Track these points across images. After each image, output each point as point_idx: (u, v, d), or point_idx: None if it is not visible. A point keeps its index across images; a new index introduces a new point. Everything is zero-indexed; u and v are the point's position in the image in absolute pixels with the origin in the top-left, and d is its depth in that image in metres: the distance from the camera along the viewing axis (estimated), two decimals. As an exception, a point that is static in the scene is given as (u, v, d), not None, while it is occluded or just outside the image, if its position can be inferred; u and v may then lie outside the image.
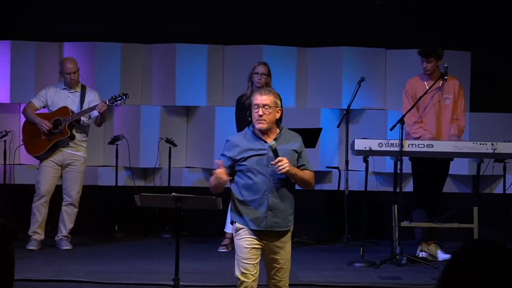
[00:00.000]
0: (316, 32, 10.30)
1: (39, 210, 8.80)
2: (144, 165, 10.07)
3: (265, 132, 5.68)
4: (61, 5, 10.18)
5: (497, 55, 10.20)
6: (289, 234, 5.75)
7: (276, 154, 5.54)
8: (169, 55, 10.14)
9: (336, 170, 9.88)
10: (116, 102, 8.82)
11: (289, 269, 5.78)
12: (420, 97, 8.37)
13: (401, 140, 8.03)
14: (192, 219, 9.30)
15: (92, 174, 9.89)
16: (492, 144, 8.14)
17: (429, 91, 8.42)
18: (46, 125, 8.73)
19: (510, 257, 2.45)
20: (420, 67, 8.54)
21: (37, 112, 8.91)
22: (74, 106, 8.85)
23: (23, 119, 9.16)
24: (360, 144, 8.14)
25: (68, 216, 8.89)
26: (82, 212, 9.05)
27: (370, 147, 8.10)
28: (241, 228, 5.66)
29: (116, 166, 9.74)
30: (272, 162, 5.54)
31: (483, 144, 8.15)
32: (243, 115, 8.29)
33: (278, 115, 5.73)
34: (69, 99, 8.88)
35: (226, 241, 8.91)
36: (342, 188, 9.63)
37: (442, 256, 8.53)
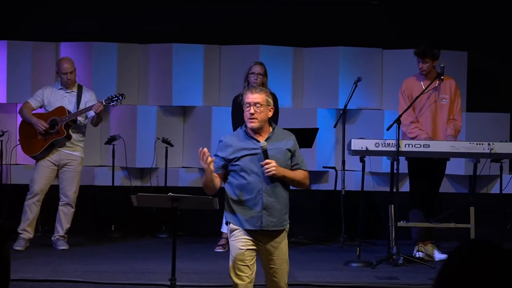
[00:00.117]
0: (312, 32, 10.31)
1: (31, 209, 8.80)
2: (141, 165, 10.07)
3: (258, 131, 5.64)
4: (57, 5, 10.18)
5: (493, 55, 10.21)
6: (285, 234, 5.70)
7: (265, 156, 5.51)
8: (165, 55, 10.14)
9: (333, 170, 9.88)
10: (113, 102, 8.82)
11: (287, 269, 5.74)
12: (417, 97, 8.37)
13: (398, 140, 8.03)
14: (188, 219, 9.29)
15: (89, 174, 9.89)
16: (489, 144, 8.14)
17: (426, 91, 8.42)
18: (42, 125, 8.72)
19: (506, 257, 2.46)
20: (416, 67, 8.55)
21: (33, 112, 8.90)
22: (70, 106, 8.84)
23: (19, 119, 9.15)
24: (357, 144, 8.14)
25: (65, 216, 8.88)
26: (79, 212, 9.04)
27: (366, 147, 8.10)
28: (236, 229, 5.62)
29: (113, 166, 9.74)
30: (262, 163, 5.52)
31: (479, 144, 8.15)
32: (239, 115, 8.23)
33: (270, 114, 5.68)
34: (65, 99, 8.88)
35: (222, 241, 8.91)
36: (338, 188, 9.63)
37: (439, 256, 8.54)
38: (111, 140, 9.67)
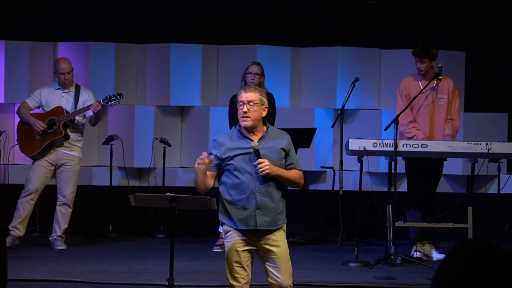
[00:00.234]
0: (310, 32, 10.31)
1: (24, 207, 8.80)
2: (139, 165, 10.07)
3: (251, 130, 5.61)
4: (55, 5, 10.18)
5: (491, 55, 10.21)
6: (282, 233, 5.65)
7: (257, 155, 5.49)
8: (163, 55, 10.14)
9: (331, 170, 9.88)
10: (111, 101, 8.81)
11: (289, 268, 5.64)
12: (414, 97, 8.36)
13: (396, 140, 8.03)
14: (186, 219, 9.30)
15: (87, 174, 9.88)
16: (487, 144, 8.14)
17: (423, 91, 8.42)
18: (40, 125, 8.72)
19: (504, 257, 2.45)
20: (414, 67, 8.55)
21: (31, 112, 8.90)
22: (68, 106, 8.84)
23: (17, 119, 9.15)
24: (355, 144, 8.14)
25: (63, 216, 8.88)
26: (77, 212, 9.04)
27: (364, 147, 8.10)
28: (230, 230, 5.60)
29: (111, 166, 9.73)
30: (255, 163, 5.51)
31: (477, 144, 8.16)
32: (236, 115, 8.27)
33: (264, 113, 5.65)
34: (63, 99, 8.88)
35: (220, 241, 8.90)
36: (336, 188, 9.63)
37: (436, 256, 8.54)
38: (109, 140, 9.66)
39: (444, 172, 8.86)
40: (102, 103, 8.72)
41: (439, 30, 10.08)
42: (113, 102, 8.82)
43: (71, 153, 8.88)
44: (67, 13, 10.20)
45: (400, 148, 8.08)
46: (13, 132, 9.40)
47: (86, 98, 8.90)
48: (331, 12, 10.36)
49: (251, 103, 5.58)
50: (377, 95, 10.19)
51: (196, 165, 5.48)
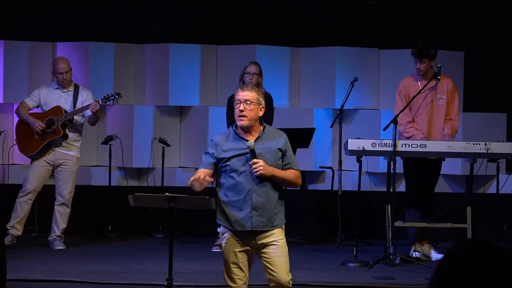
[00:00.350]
0: (309, 32, 10.31)
1: (22, 206, 8.80)
2: (138, 165, 10.07)
3: (248, 130, 5.58)
4: (55, 5, 10.18)
5: (490, 55, 10.22)
6: (280, 232, 5.61)
7: (253, 155, 5.46)
8: (162, 55, 10.14)
9: (330, 170, 9.88)
10: (109, 101, 8.81)
11: (286, 263, 5.58)
12: (413, 97, 8.36)
13: (395, 140, 8.03)
14: (185, 219, 9.30)
15: (85, 174, 9.88)
16: (486, 144, 8.14)
17: (422, 91, 8.41)
18: (39, 124, 8.72)
19: (502, 257, 2.45)
20: (413, 67, 8.54)
21: (30, 111, 8.90)
22: (67, 106, 8.84)
23: (16, 119, 9.15)
24: (354, 144, 8.14)
25: (61, 216, 8.88)
26: (76, 212, 9.04)
27: (363, 147, 8.10)
28: (227, 231, 5.59)
29: (110, 166, 9.73)
30: (250, 163, 5.49)
31: (476, 144, 8.15)
32: (234, 115, 8.27)
33: (261, 113, 5.62)
34: (62, 99, 8.88)
35: (219, 241, 8.86)
36: (335, 188, 9.63)
37: (435, 256, 8.54)
38: (107, 140, 9.66)
39: (443, 172, 8.86)
40: (100, 102, 8.72)
41: (438, 30, 10.08)
42: (111, 101, 8.82)
43: (69, 153, 8.88)
44: (66, 13, 10.20)
45: (399, 148, 8.07)
46: (12, 132, 9.41)
47: (85, 97, 8.90)
48: (330, 12, 10.36)
49: (247, 102, 5.55)
50: (376, 95, 10.19)
51: (189, 182, 5.49)
